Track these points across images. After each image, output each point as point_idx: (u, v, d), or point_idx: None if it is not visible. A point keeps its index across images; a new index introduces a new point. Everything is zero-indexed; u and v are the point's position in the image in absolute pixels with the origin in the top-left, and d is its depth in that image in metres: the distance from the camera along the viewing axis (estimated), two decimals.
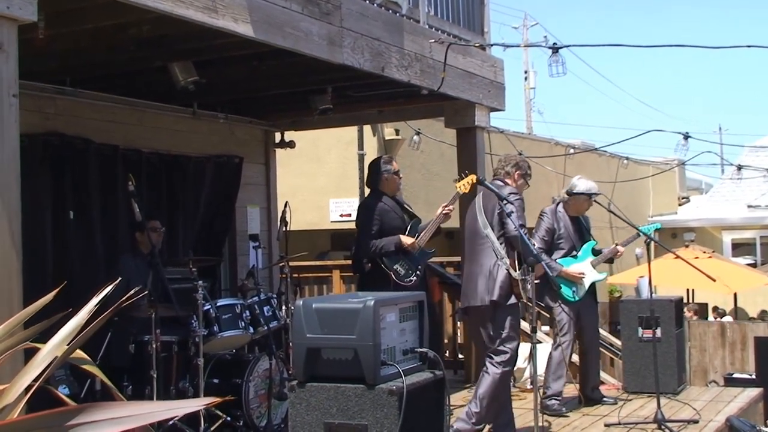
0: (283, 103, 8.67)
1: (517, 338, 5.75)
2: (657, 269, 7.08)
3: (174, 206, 7.90)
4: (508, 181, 6.00)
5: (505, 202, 5.54)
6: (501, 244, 5.62)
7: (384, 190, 6.89)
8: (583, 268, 7.10)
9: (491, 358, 5.66)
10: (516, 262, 5.58)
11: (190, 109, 8.20)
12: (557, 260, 7.04)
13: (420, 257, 6.75)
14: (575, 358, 7.80)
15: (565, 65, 8.10)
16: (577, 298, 7.04)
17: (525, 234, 5.46)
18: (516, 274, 5.54)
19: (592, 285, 7.18)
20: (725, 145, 32.88)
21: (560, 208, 7.17)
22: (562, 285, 6.97)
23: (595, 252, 7.22)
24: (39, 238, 6.44)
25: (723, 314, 16.38)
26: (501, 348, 5.63)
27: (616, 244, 7.34)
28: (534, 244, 6.83)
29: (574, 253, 7.15)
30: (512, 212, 5.50)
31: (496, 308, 5.60)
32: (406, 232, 6.75)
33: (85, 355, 2.24)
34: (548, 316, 7.66)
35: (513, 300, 5.63)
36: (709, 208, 24.16)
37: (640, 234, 6.87)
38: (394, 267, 6.61)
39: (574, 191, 7.12)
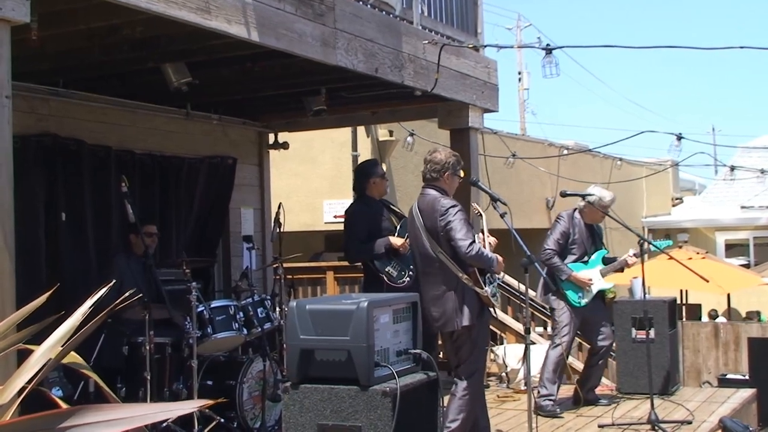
0: (277, 104, 8.65)
1: (487, 348, 5.60)
2: (650, 270, 7.09)
3: (167, 207, 7.88)
4: (441, 185, 5.48)
5: (443, 222, 5.26)
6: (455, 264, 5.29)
7: (371, 194, 6.88)
8: (592, 275, 7.09)
9: (460, 376, 5.43)
10: (476, 271, 5.31)
11: (183, 110, 8.19)
12: (567, 265, 7.06)
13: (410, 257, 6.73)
14: (571, 359, 7.81)
15: (558, 66, 8.12)
16: (582, 304, 7.03)
17: (479, 247, 5.25)
18: (482, 292, 5.31)
19: (600, 293, 7.17)
20: (718, 146, 33.03)
21: (576, 214, 7.19)
22: (569, 290, 6.99)
23: (606, 261, 7.23)
24: (32, 239, 6.42)
25: (715, 316, 16.40)
26: (471, 365, 5.44)
27: (628, 255, 7.23)
28: (528, 249, 6.84)
29: (585, 259, 7.15)
30: (451, 229, 5.21)
31: (470, 330, 5.37)
32: (396, 234, 6.73)
33: (78, 357, 2.24)
34: (547, 316, 7.65)
35: (484, 314, 5.44)
36: (703, 209, 24.21)
37: (648, 244, 6.85)
38: (386, 269, 6.58)
39: (596, 203, 7.06)
